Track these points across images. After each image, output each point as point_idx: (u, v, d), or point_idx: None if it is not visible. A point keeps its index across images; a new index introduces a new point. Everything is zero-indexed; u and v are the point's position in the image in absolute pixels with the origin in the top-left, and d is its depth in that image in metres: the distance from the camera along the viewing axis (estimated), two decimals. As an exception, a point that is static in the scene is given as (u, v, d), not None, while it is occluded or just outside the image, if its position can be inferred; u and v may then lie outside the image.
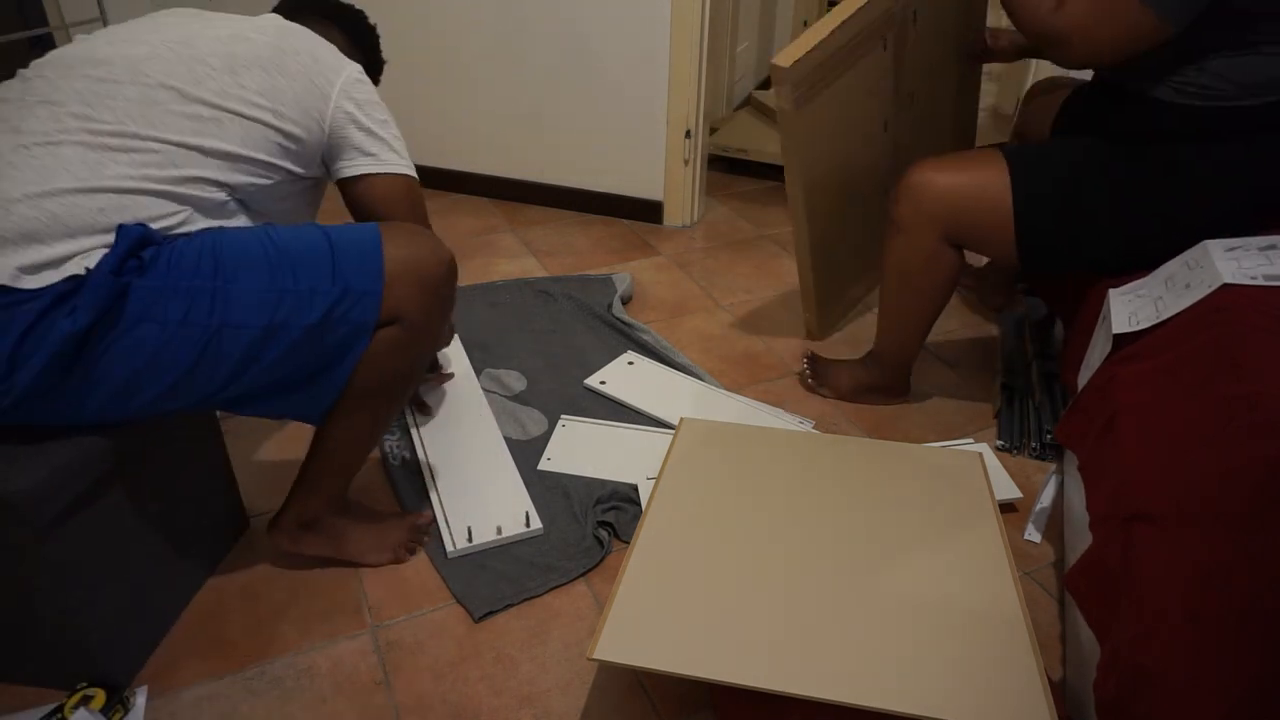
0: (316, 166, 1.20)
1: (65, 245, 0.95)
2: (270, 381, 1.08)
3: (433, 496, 1.45)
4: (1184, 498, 0.95)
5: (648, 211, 2.58)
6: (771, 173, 2.94)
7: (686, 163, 2.48)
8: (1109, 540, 1.04)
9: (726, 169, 2.97)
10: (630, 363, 1.84)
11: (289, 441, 1.61)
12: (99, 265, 0.96)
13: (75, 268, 0.95)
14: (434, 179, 2.73)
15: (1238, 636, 0.81)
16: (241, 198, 1.12)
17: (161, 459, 1.19)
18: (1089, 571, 1.06)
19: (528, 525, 1.39)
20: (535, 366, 1.84)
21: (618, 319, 2.00)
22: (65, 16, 2.59)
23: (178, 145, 1.04)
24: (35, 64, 1.08)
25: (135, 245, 0.98)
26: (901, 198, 1.50)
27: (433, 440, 1.58)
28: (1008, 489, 1.48)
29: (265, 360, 1.04)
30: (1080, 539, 1.19)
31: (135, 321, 0.98)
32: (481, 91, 2.53)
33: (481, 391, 1.72)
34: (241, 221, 1.12)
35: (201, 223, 1.07)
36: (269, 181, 1.13)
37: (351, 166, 1.18)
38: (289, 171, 1.15)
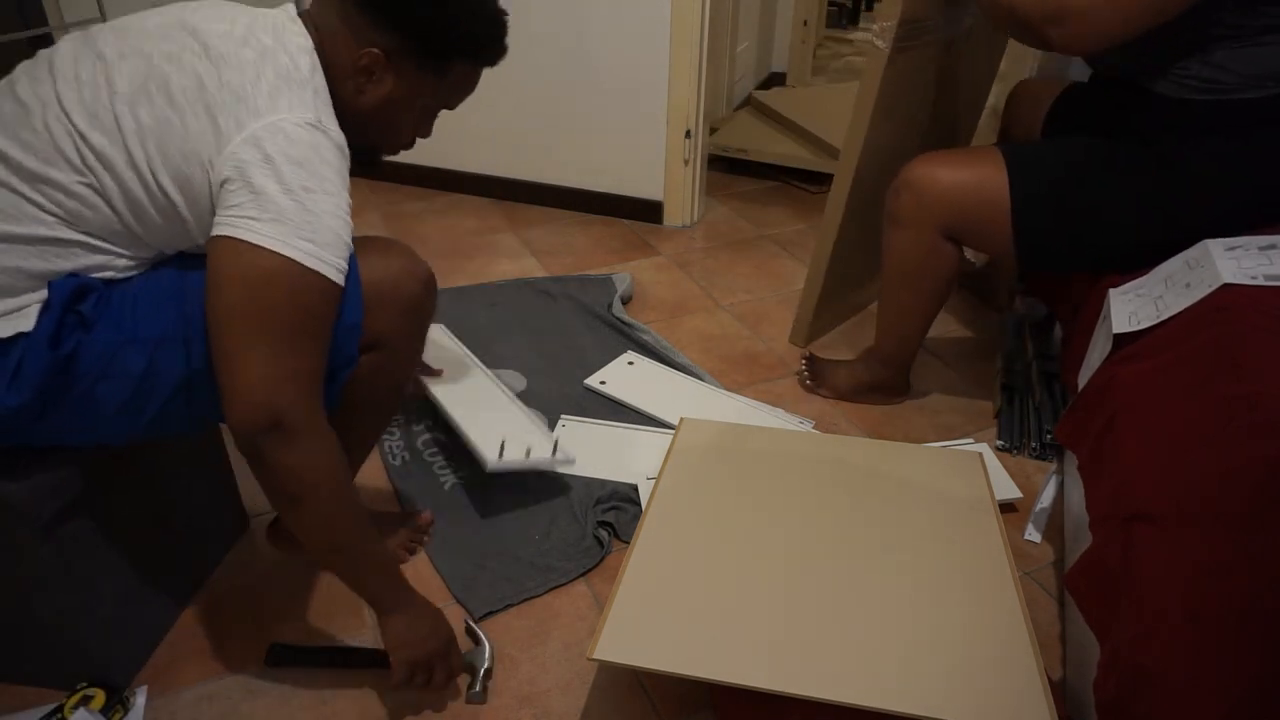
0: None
1: None
2: None
3: (456, 425, 1.43)
4: (1184, 498, 0.95)
5: (648, 211, 2.58)
6: (771, 173, 2.94)
7: (686, 163, 2.48)
8: (1109, 540, 1.04)
9: (726, 169, 2.97)
10: (630, 363, 1.84)
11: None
12: (35, 333, 0.87)
13: (4, 329, 0.87)
14: (434, 179, 2.73)
15: (1238, 636, 0.81)
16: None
17: (161, 459, 1.19)
18: (1089, 571, 1.06)
19: (554, 454, 1.41)
20: (535, 366, 1.84)
21: (618, 319, 2.00)
22: (65, 16, 2.59)
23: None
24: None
25: (71, 300, 0.89)
26: (902, 192, 1.51)
27: (446, 391, 1.55)
28: (1008, 489, 1.48)
29: None
30: (1080, 539, 1.19)
31: (94, 379, 0.91)
32: (481, 91, 2.53)
33: (483, 370, 1.70)
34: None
35: (143, 265, 0.96)
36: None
37: (216, 224, 0.88)
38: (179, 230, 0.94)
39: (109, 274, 0.94)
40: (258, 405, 0.86)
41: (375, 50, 0.98)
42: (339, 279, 0.90)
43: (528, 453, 1.38)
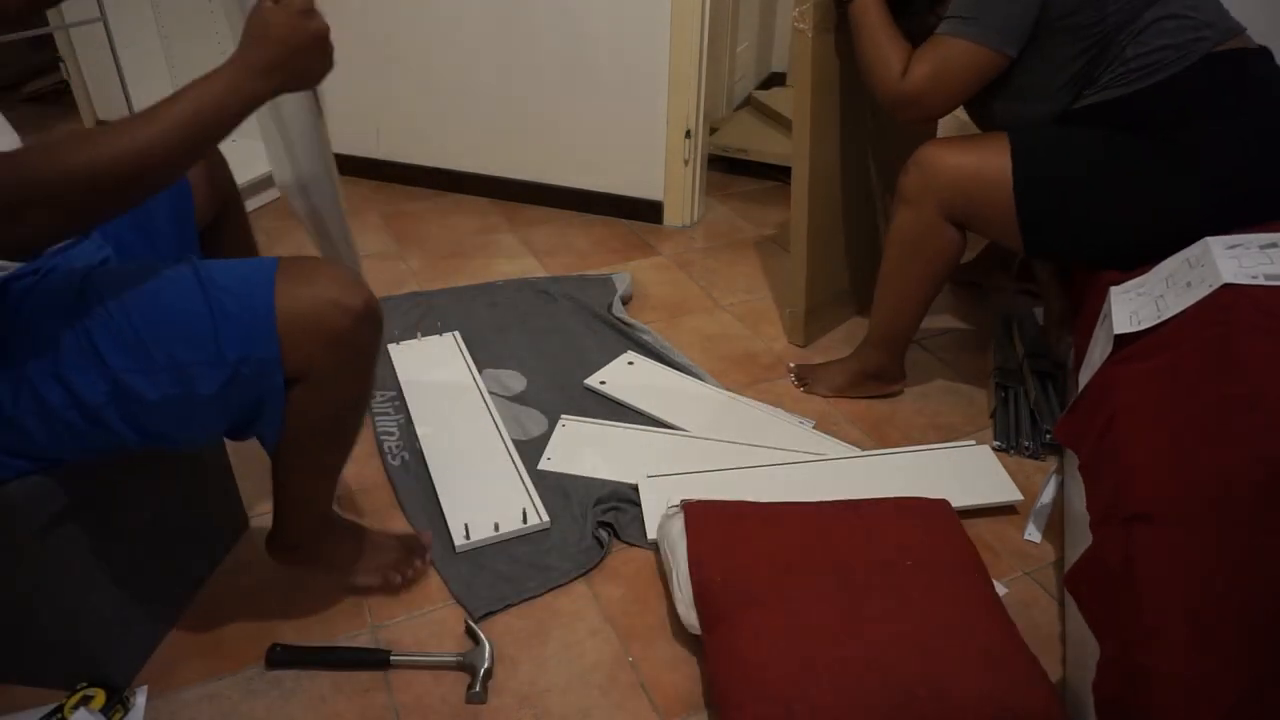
0: None
1: None
2: (206, 429, 1.00)
3: (439, 494, 1.46)
4: (1184, 498, 0.95)
5: (648, 211, 2.57)
6: (771, 173, 2.94)
7: (686, 163, 2.48)
8: (1109, 540, 1.04)
9: (726, 169, 2.97)
10: (630, 363, 1.84)
11: (289, 441, 1.60)
12: None
13: None
14: (434, 179, 2.73)
15: (1238, 636, 0.81)
16: None
17: (161, 459, 1.19)
18: (1089, 571, 1.06)
19: (524, 521, 1.39)
20: (535, 366, 1.84)
21: (618, 319, 2.00)
22: (65, 16, 2.59)
23: None
24: None
25: None
26: (910, 170, 1.54)
27: (432, 441, 1.58)
28: (1008, 490, 1.48)
29: (188, 422, 0.95)
30: (1080, 539, 1.19)
31: (12, 417, 0.89)
32: (481, 91, 2.53)
33: (480, 390, 1.72)
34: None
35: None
36: None
37: None
38: None
39: None
40: None
41: None
42: None
43: (495, 527, 1.38)
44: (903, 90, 1.45)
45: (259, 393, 0.95)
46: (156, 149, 0.80)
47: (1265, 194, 1.33)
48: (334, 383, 0.99)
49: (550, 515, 1.43)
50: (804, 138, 1.75)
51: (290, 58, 0.88)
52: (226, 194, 1.28)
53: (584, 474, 1.52)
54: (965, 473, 1.51)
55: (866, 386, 1.77)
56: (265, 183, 2.57)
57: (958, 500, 1.40)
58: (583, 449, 1.58)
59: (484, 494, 1.45)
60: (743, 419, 1.68)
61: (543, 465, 1.54)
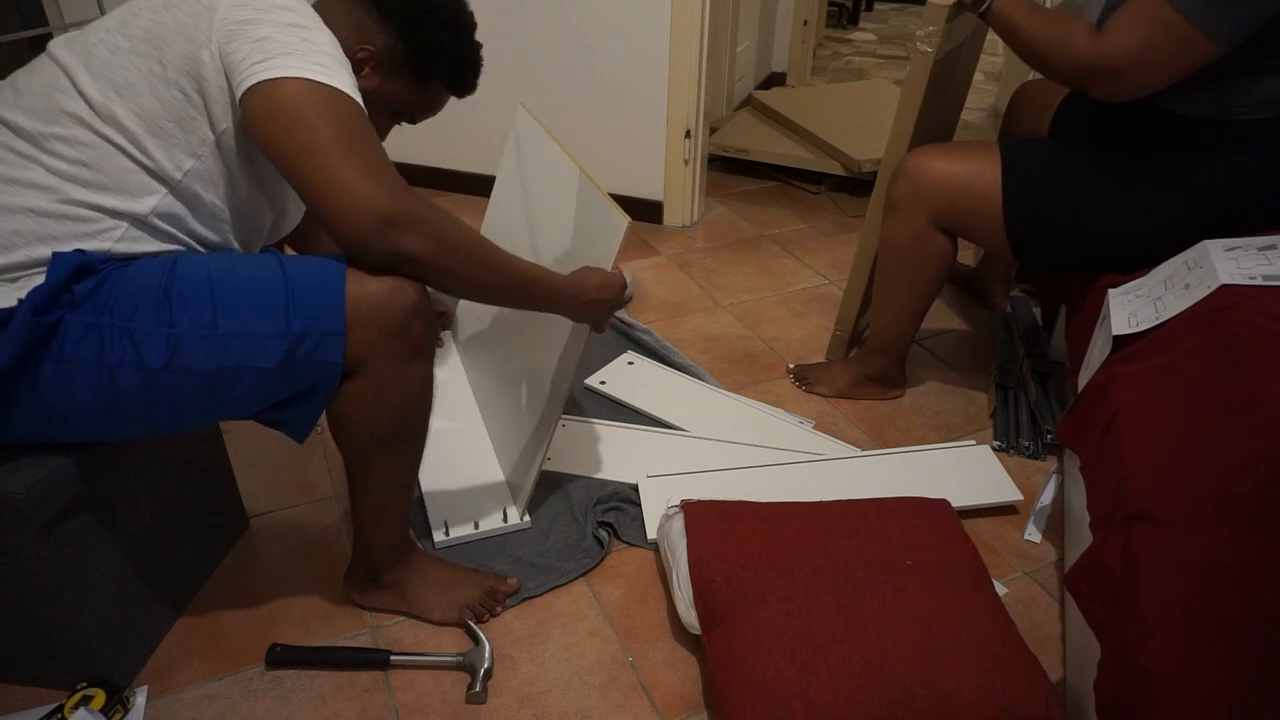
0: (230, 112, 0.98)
1: None
2: (242, 411, 1.02)
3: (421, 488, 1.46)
4: (1184, 498, 0.95)
5: (648, 211, 2.58)
6: (771, 173, 2.94)
7: (686, 163, 2.48)
8: (1109, 540, 1.04)
9: (726, 169, 2.97)
10: (630, 363, 1.84)
11: (290, 442, 1.60)
12: (24, 301, 0.88)
13: (5, 299, 0.90)
14: (434, 179, 2.73)
15: (1238, 636, 0.81)
16: (173, 194, 0.99)
17: (161, 459, 1.19)
18: (1089, 571, 1.06)
19: (504, 521, 1.39)
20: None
21: (618, 319, 2.00)
22: (65, 16, 2.59)
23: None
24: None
25: (70, 277, 0.90)
26: (899, 178, 1.53)
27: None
28: (1008, 490, 1.48)
29: (228, 398, 0.97)
30: (1080, 539, 1.19)
31: (70, 360, 0.91)
32: (482, 91, 2.53)
33: (469, 388, 1.72)
34: (186, 233, 1.02)
35: (146, 242, 0.98)
36: (192, 157, 0.98)
37: (237, 87, 0.93)
38: (203, 132, 0.97)
39: (109, 244, 0.96)
40: (374, 211, 0.91)
41: (371, 47, 1.09)
42: (356, 96, 0.95)
43: (475, 525, 1.38)
44: (1098, 57, 1.24)
45: (315, 373, 0.98)
46: (507, 282, 1.07)
47: (1265, 215, 1.32)
48: (390, 378, 1.02)
49: (550, 515, 1.43)
50: (894, 164, 1.67)
51: (599, 310, 1.21)
52: None
53: (584, 474, 1.52)
54: (965, 473, 1.51)
55: (868, 389, 1.77)
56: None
57: (958, 500, 1.41)
58: (583, 449, 1.58)
59: (466, 492, 1.45)
60: (743, 419, 1.68)
61: (543, 465, 1.53)
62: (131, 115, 0.94)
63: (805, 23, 3.76)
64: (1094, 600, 1.03)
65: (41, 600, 1.06)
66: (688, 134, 2.42)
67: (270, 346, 0.94)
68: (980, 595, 1.15)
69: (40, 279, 0.91)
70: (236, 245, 1.09)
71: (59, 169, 0.93)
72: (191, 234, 1.03)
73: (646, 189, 2.55)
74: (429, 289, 1.03)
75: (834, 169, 2.72)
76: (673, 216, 2.57)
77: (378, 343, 0.99)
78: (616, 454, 1.57)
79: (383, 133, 1.14)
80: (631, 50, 2.35)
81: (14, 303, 0.90)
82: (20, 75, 0.98)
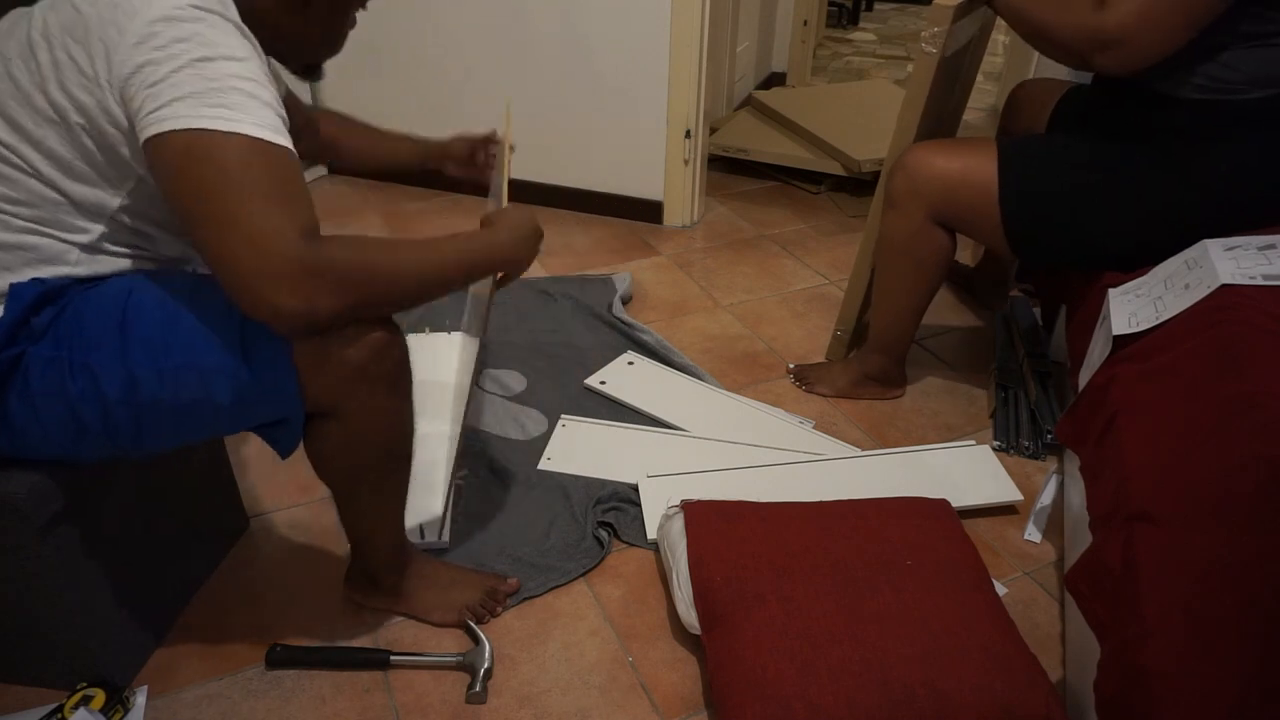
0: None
1: None
2: (221, 433, 1.01)
3: None
4: (1184, 498, 0.95)
5: (648, 211, 2.58)
6: (771, 173, 2.94)
7: (686, 163, 2.48)
8: (1109, 540, 1.04)
9: (726, 169, 2.97)
10: (630, 363, 1.84)
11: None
12: None
13: None
14: (434, 179, 2.73)
15: (1238, 636, 0.81)
16: (113, 225, 0.94)
17: (161, 459, 1.19)
18: (1089, 571, 1.06)
19: (422, 538, 1.37)
20: (535, 366, 1.84)
21: (618, 319, 2.00)
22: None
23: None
24: None
25: (29, 310, 0.89)
26: (897, 174, 1.53)
27: None
28: (1008, 490, 1.48)
29: (190, 428, 0.96)
30: (1080, 539, 1.19)
31: (35, 394, 0.91)
32: (481, 91, 2.53)
33: (453, 392, 1.72)
34: (146, 249, 0.98)
35: (105, 263, 0.95)
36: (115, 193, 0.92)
37: (141, 132, 0.83)
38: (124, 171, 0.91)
39: (66, 269, 0.93)
40: (270, 278, 0.81)
41: None
42: (272, 136, 0.83)
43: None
44: (1103, 28, 1.23)
45: (276, 407, 0.94)
46: (433, 274, 0.95)
47: (1266, 206, 1.32)
48: (364, 419, 0.98)
49: (550, 515, 1.43)
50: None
51: (519, 247, 1.07)
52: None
53: (584, 474, 1.52)
54: (965, 473, 1.51)
55: (868, 388, 1.77)
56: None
57: (958, 500, 1.41)
58: (583, 449, 1.58)
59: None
60: (743, 419, 1.68)
61: (543, 465, 1.54)
62: (43, 159, 0.89)
63: (805, 23, 3.76)
64: (1094, 600, 1.03)
65: (41, 600, 1.06)
66: (688, 134, 2.42)
67: (222, 383, 0.91)
68: (980, 595, 1.15)
69: None
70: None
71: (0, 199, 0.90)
72: (152, 250, 1.00)
73: (646, 189, 2.55)
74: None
75: (834, 169, 2.72)
76: (673, 216, 2.57)
77: (342, 387, 0.94)
78: (616, 454, 1.57)
79: (353, 23, 1.06)
80: (631, 50, 2.35)
81: None
82: None
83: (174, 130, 0.80)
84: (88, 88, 0.85)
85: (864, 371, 1.77)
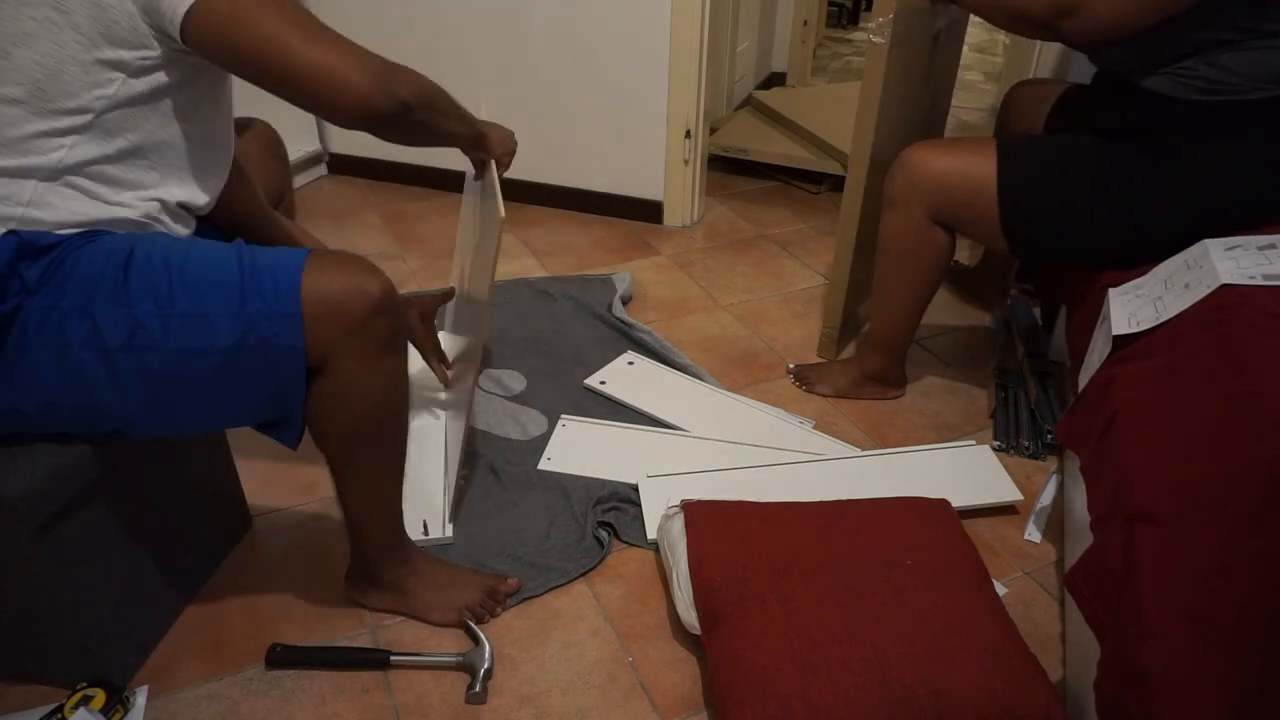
0: (149, 40, 0.93)
1: None
2: (224, 410, 1.02)
3: None
4: (1185, 498, 0.95)
5: (648, 211, 2.58)
6: (771, 173, 2.94)
7: (686, 163, 2.48)
8: (1109, 540, 1.04)
9: (726, 169, 2.97)
10: (630, 363, 1.84)
11: (289, 441, 1.60)
12: None
13: None
14: (435, 179, 2.73)
15: (1238, 636, 0.81)
16: (105, 133, 0.94)
17: (163, 457, 1.19)
18: (1089, 571, 1.06)
19: (426, 534, 1.37)
20: (535, 366, 1.84)
21: (618, 319, 2.00)
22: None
23: None
24: None
25: (12, 262, 0.89)
26: (896, 173, 1.53)
27: None
28: (1008, 490, 1.48)
29: (193, 386, 0.97)
30: (1080, 539, 1.19)
31: (32, 346, 0.91)
32: (482, 91, 2.53)
33: (440, 394, 1.72)
34: (106, 181, 0.98)
35: (83, 204, 0.95)
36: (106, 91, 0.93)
37: (171, 15, 0.89)
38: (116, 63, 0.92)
39: (18, 210, 0.93)
40: (370, 74, 0.93)
41: None
42: None
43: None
44: None
45: (280, 355, 0.97)
46: (449, 104, 1.19)
47: (1266, 206, 1.32)
48: (356, 377, 1.01)
49: (550, 515, 1.43)
50: (862, 161, 1.69)
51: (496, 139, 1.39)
52: (283, 188, 1.42)
53: (584, 474, 1.52)
54: (965, 473, 1.51)
55: (867, 388, 1.77)
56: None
57: (958, 500, 1.41)
58: (583, 449, 1.58)
59: (407, 497, 1.40)
60: (743, 419, 1.68)
61: (543, 465, 1.54)
62: (22, 71, 0.90)
63: (805, 23, 3.76)
64: (1094, 600, 1.03)
65: (41, 600, 1.06)
66: (688, 134, 2.42)
67: (224, 326, 0.94)
68: (980, 595, 1.15)
69: None
70: (176, 189, 1.05)
71: None
72: (113, 179, 0.99)
73: (646, 189, 2.55)
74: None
75: (834, 169, 2.72)
76: (673, 216, 2.57)
77: (339, 340, 0.98)
78: (616, 454, 1.57)
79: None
80: (631, 50, 2.35)
81: None
82: None
83: None
84: None
85: (864, 371, 1.77)
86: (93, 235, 0.96)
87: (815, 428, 1.68)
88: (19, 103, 0.91)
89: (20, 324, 0.92)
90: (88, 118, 0.94)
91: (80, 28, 0.90)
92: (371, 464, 1.12)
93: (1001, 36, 4.41)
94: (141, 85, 0.95)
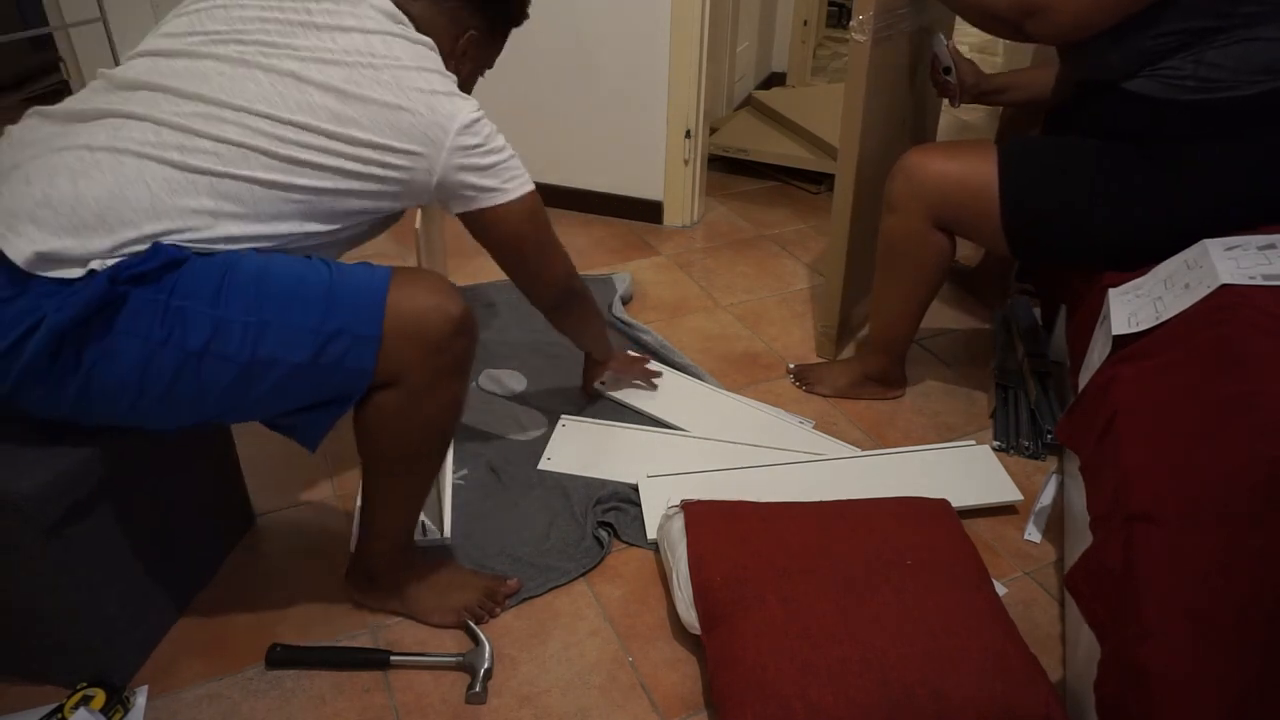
0: (416, 199, 1.13)
1: (99, 241, 0.92)
2: (265, 412, 1.03)
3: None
4: (1184, 498, 0.95)
5: (648, 211, 2.58)
6: (771, 173, 2.94)
7: (686, 163, 2.48)
8: (1109, 540, 1.04)
9: (726, 169, 2.97)
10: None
11: (291, 441, 1.60)
12: (106, 269, 0.92)
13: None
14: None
15: (1238, 636, 0.81)
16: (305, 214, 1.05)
17: (168, 457, 1.19)
18: (1089, 571, 1.06)
19: (424, 534, 1.37)
20: (535, 366, 1.84)
21: (618, 319, 2.00)
22: (65, 16, 2.59)
23: (265, 185, 0.99)
24: (130, 67, 1.03)
25: (163, 267, 0.94)
26: (896, 177, 1.53)
27: None
28: (1008, 490, 1.48)
29: (255, 392, 0.99)
30: (1080, 539, 1.19)
31: (119, 333, 0.93)
32: (482, 91, 2.53)
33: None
34: (287, 227, 1.05)
35: (232, 225, 1.00)
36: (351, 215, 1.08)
37: (466, 203, 1.13)
38: (377, 209, 1.10)
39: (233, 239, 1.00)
40: (565, 274, 1.36)
41: (474, 33, 1.20)
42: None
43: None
44: None
45: (343, 378, 1.00)
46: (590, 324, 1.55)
47: (1265, 204, 1.32)
48: (425, 393, 1.03)
49: (550, 515, 1.43)
50: (850, 159, 1.71)
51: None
52: None
53: (584, 474, 1.52)
54: (965, 473, 1.51)
55: (867, 389, 1.77)
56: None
57: (958, 500, 1.41)
58: (583, 449, 1.58)
59: None
60: (743, 419, 1.68)
61: (543, 465, 1.54)
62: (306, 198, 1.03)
63: (805, 23, 3.76)
64: (1094, 600, 1.03)
65: (44, 600, 1.06)
66: (688, 134, 2.42)
67: (304, 340, 0.97)
68: (980, 595, 1.15)
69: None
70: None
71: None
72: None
73: (646, 189, 2.55)
74: None
75: (834, 169, 2.70)
76: (673, 216, 2.57)
77: (417, 356, 1.01)
78: (617, 454, 1.57)
79: (474, 88, 1.28)
80: (631, 50, 2.35)
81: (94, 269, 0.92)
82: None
83: (518, 195, 1.16)
84: (414, 137, 1.05)
85: (864, 372, 1.76)
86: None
87: (815, 428, 1.68)
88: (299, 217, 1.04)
89: (121, 311, 0.93)
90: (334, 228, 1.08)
91: (388, 198, 1.08)
92: (409, 476, 1.14)
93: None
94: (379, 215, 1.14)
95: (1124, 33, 1.29)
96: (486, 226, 1.16)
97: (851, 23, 1.57)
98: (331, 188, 1.02)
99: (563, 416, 1.67)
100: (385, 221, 1.19)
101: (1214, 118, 1.28)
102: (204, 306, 0.95)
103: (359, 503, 1.18)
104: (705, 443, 1.60)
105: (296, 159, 0.99)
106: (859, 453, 1.59)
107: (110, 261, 0.92)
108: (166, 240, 0.95)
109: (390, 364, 1.00)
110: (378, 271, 1.02)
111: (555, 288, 1.33)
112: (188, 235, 0.96)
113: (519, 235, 1.19)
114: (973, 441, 1.61)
